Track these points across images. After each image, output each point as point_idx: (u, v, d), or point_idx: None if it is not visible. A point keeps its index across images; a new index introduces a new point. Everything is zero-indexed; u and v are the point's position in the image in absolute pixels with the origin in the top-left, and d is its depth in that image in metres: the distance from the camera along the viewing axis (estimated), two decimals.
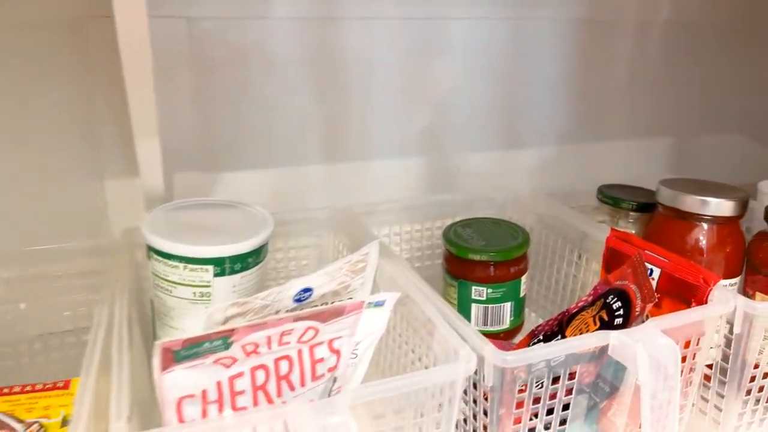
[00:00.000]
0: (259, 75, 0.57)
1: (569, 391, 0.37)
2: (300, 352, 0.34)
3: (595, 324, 0.40)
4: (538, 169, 0.72)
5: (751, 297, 0.48)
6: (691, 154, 0.81)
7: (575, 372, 0.36)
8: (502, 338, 0.54)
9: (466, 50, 0.65)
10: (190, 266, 0.40)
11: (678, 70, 0.76)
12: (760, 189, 0.65)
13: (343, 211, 0.55)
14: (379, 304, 0.37)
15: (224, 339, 0.32)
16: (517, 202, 0.61)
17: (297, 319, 0.34)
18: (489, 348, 0.33)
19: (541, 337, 0.44)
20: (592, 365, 0.37)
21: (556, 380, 0.37)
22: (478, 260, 0.52)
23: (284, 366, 0.33)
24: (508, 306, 0.54)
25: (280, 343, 0.34)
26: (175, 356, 0.31)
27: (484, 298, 0.53)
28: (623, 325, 0.39)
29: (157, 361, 0.30)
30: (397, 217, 0.59)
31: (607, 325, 0.39)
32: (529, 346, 0.44)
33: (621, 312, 0.39)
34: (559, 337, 0.42)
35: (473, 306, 0.53)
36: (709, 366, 0.43)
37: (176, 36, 0.53)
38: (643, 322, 0.37)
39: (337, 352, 0.35)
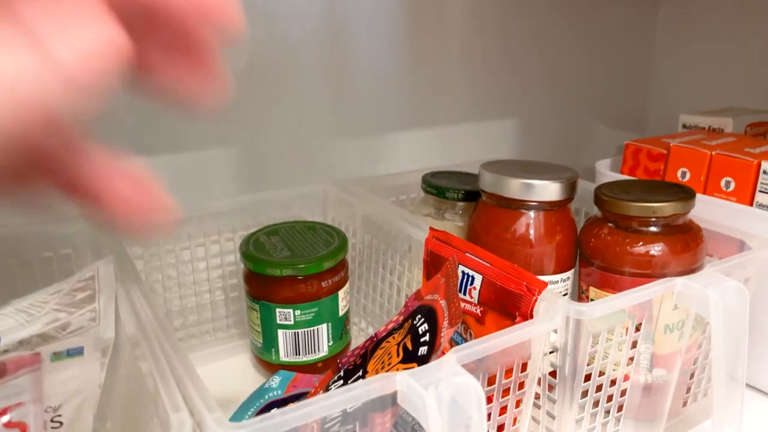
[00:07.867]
0: None
1: None
2: None
3: (398, 355, 0.32)
4: (373, 159, 0.64)
5: (585, 292, 0.43)
6: (536, 137, 0.77)
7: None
8: (320, 369, 0.45)
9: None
10: None
11: (517, 51, 0.71)
12: (598, 170, 0.61)
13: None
14: (75, 352, 0.27)
15: None
16: (339, 200, 0.52)
17: None
18: (211, 416, 0.23)
19: (342, 373, 0.35)
20: (388, 414, 0.29)
21: None
22: (279, 275, 0.42)
23: None
24: (324, 329, 0.44)
25: None
26: None
27: (292, 322, 0.43)
28: (428, 357, 0.30)
29: None
30: (187, 229, 0.48)
31: (411, 356, 0.31)
32: (330, 383, 0.36)
33: (427, 338, 0.31)
34: (360, 373, 0.34)
35: (280, 333, 0.44)
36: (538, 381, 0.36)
37: None
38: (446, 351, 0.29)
39: (19, 426, 0.27)
